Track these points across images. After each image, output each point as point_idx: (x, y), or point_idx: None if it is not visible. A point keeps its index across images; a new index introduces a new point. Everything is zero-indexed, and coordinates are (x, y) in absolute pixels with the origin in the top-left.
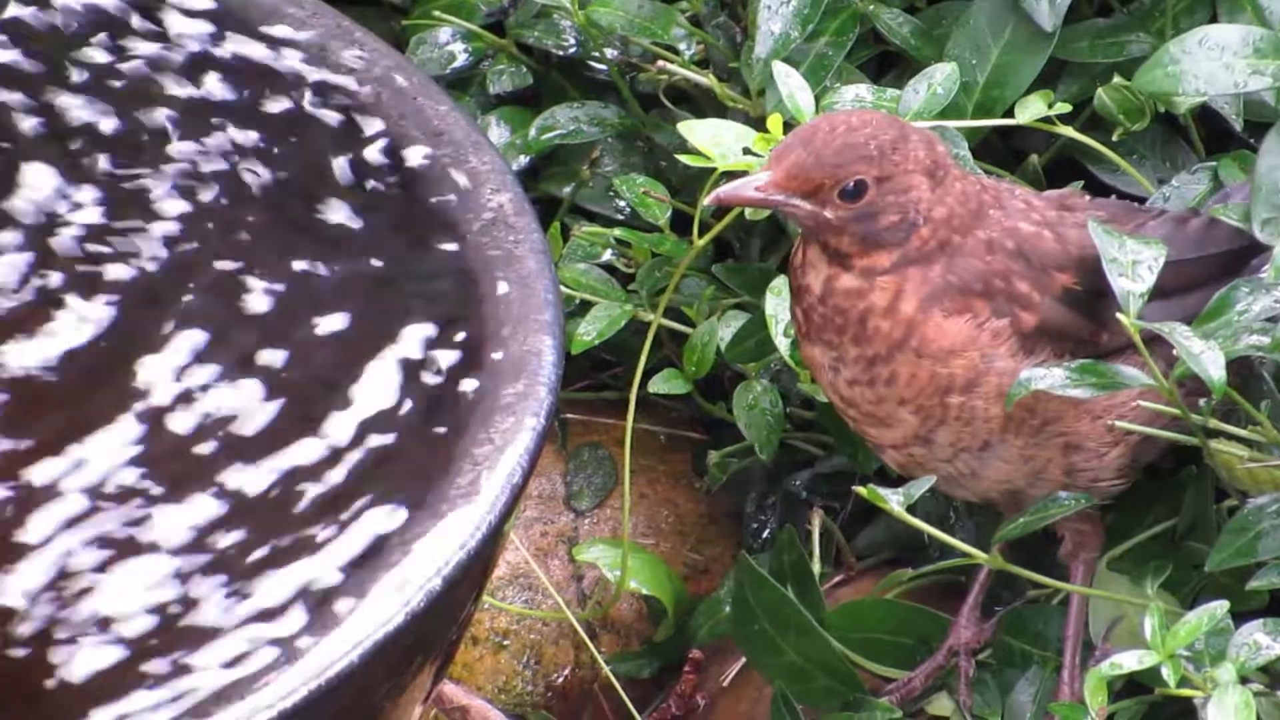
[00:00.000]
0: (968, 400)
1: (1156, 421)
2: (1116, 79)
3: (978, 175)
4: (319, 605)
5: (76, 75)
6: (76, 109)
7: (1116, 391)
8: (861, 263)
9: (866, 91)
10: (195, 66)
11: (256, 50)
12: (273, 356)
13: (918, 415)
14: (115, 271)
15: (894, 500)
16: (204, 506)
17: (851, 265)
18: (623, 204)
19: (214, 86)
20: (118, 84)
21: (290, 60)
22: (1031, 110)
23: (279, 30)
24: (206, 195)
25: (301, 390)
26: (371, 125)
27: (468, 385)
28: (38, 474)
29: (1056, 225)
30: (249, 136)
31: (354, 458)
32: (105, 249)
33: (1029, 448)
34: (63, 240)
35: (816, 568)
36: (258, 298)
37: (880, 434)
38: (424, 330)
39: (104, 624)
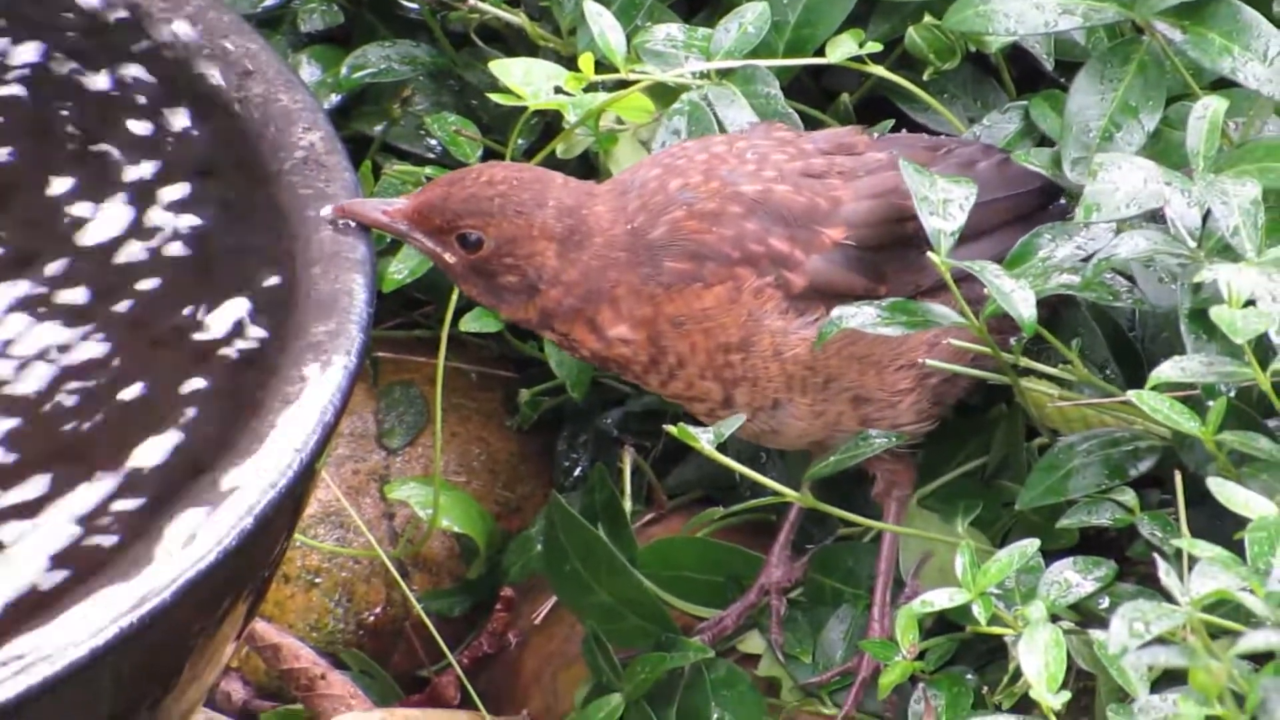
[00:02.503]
0: (746, 358)
1: (963, 360)
2: (927, 18)
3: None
4: (130, 542)
5: None
6: None
7: (902, 341)
8: (509, 314)
9: (678, 31)
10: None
11: None
12: (75, 295)
13: (717, 381)
14: None
15: (705, 439)
16: (13, 439)
17: (511, 318)
18: (434, 143)
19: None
20: None
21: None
22: (842, 49)
23: None
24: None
25: (108, 326)
26: (181, 63)
27: (278, 323)
28: None
29: (813, 176)
30: (64, 68)
31: (165, 396)
32: None
33: (817, 404)
34: None
35: (628, 506)
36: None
37: (697, 408)
38: (235, 268)
39: None
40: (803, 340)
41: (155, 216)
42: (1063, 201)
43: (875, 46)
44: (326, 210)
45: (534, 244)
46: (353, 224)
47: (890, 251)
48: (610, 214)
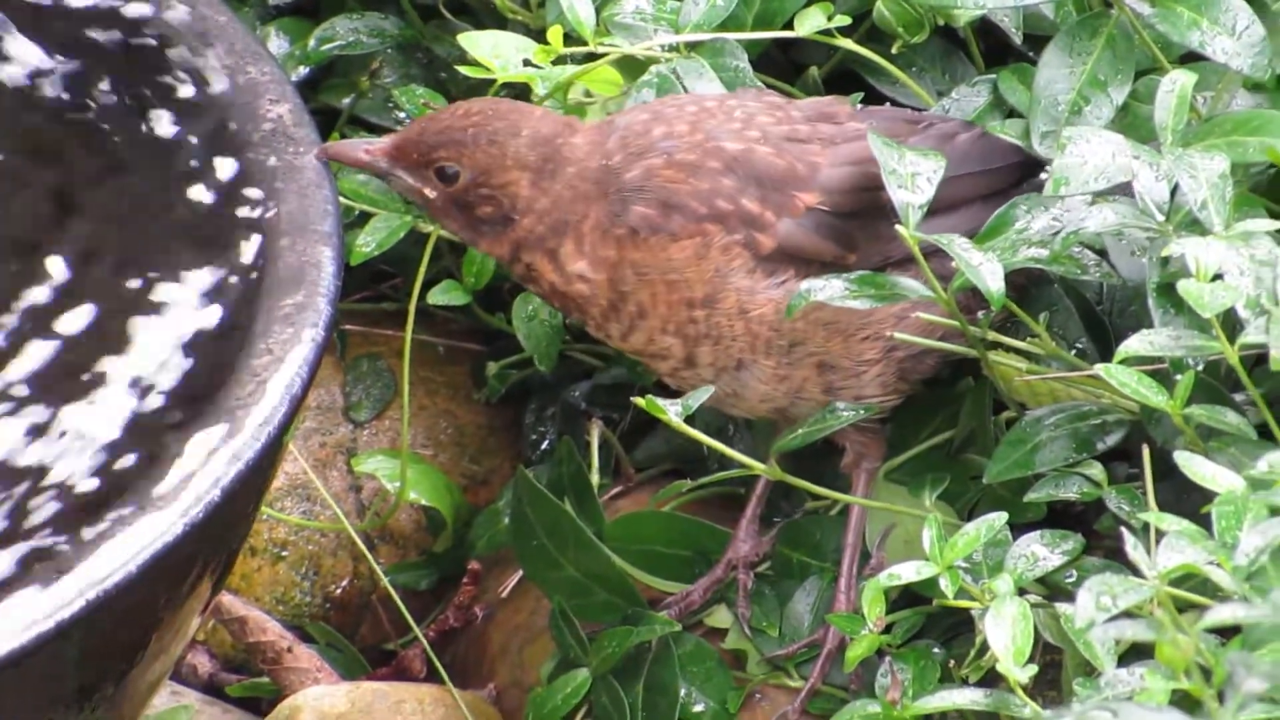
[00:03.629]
0: (710, 315)
1: (932, 335)
2: None
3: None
4: (99, 516)
5: None
6: None
7: (870, 311)
8: (488, 249)
9: (647, 3)
10: None
11: None
12: (56, 266)
13: (678, 337)
14: None
15: (672, 411)
16: None
17: (489, 253)
18: (402, 115)
19: None
20: None
21: None
22: (811, 22)
23: None
24: None
25: (90, 300)
26: (149, 36)
27: (246, 296)
28: None
29: (797, 141)
30: (30, 52)
31: (136, 370)
32: None
33: (781, 367)
34: None
35: (595, 479)
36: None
37: (660, 365)
38: (205, 241)
39: None
40: (769, 300)
41: (124, 183)
42: (1043, 177)
43: (844, 20)
44: (311, 154)
45: (507, 173)
46: (323, 192)
47: (863, 220)
48: (587, 147)
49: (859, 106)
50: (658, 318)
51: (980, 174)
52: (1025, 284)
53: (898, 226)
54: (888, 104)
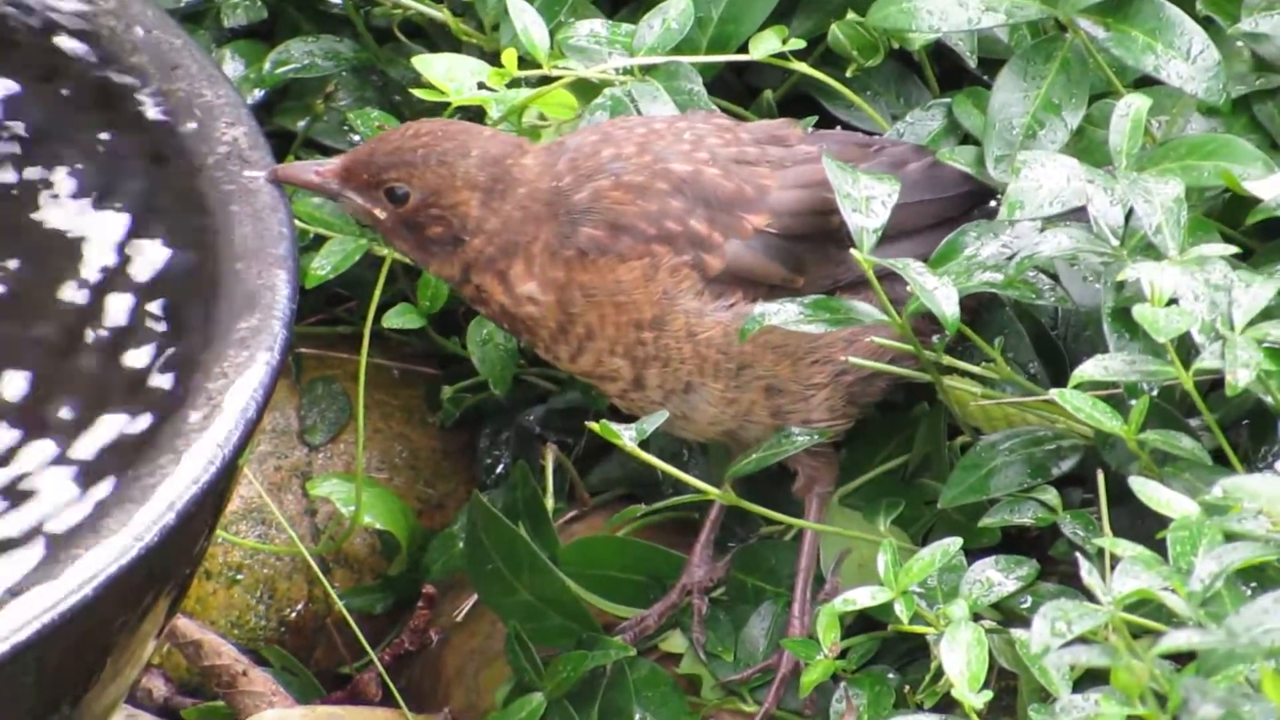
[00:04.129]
0: (659, 337)
1: (882, 359)
2: (851, 15)
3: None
4: (53, 539)
5: None
6: None
7: (821, 335)
8: (437, 270)
9: (601, 26)
10: None
11: None
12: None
13: (627, 359)
14: None
15: (626, 436)
16: None
17: (439, 274)
18: (357, 138)
19: None
20: None
21: None
22: (766, 46)
23: None
24: None
25: (28, 318)
26: (104, 58)
27: (201, 318)
28: None
29: (745, 163)
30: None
31: (84, 391)
32: None
33: (730, 390)
34: None
35: (550, 503)
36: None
37: (608, 387)
38: (156, 262)
39: None
40: (717, 323)
41: (77, 209)
42: (992, 205)
43: (799, 43)
44: (261, 175)
45: (457, 194)
46: (279, 215)
47: (812, 243)
48: (537, 168)
49: (810, 130)
50: (605, 339)
51: (930, 202)
52: (977, 308)
53: (852, 250)
54: (839, 127)
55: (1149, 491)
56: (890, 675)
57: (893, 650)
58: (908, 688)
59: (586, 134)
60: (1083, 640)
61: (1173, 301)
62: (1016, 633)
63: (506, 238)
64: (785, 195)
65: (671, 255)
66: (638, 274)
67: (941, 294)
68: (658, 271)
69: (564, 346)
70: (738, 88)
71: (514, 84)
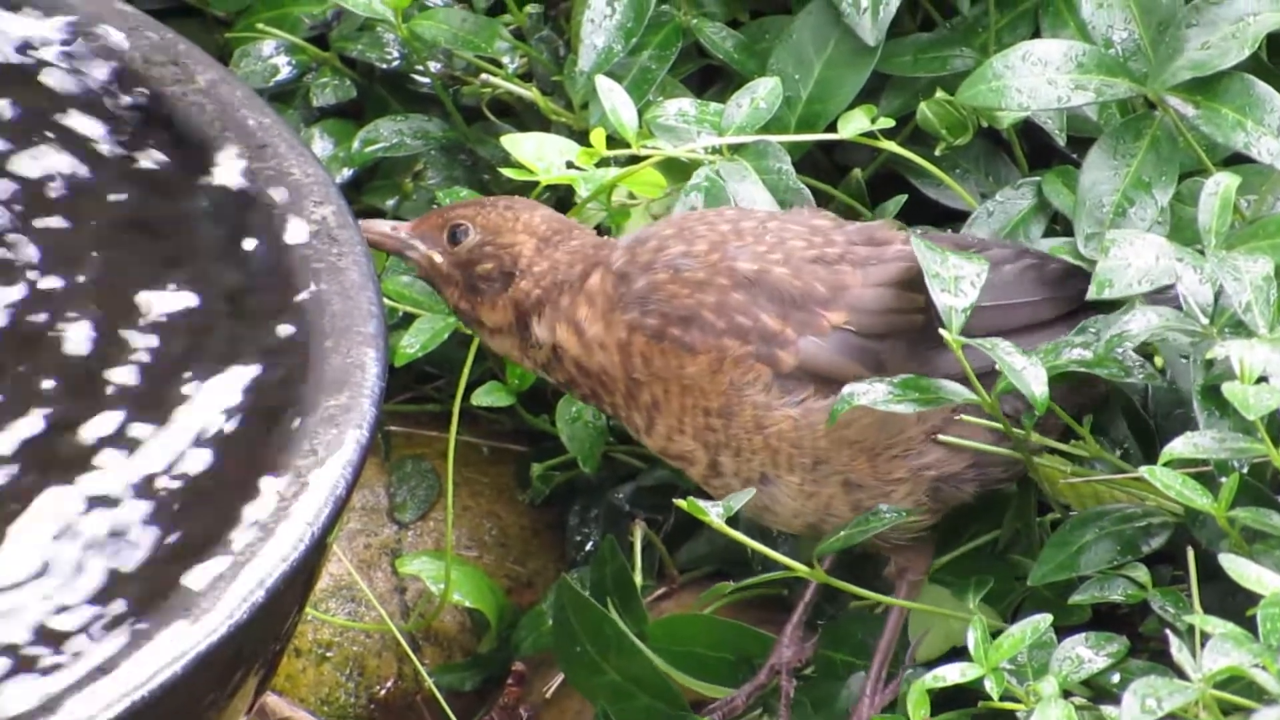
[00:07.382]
0: (728, 426)
1: (972, 445)
2: (939, 93)
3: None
4: (144, 614)
5: None
6: None
7: (898, 430)
8: (486, 315)
9: (690, 105)
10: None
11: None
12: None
13: (698, 442)
14: None
15: (714, 513)
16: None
17: (494, 329)
18: None
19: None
20: None
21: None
22: (854, 125)
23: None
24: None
25: (129, 403)
26: (195, 138)
27: (290, 397)
28: None
29: (824, 263)
30: (70, 161)
31: (180, 471)
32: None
33: (807, 484)
34: None
35: (639, 580)
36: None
37: (691, 471)
38: (250, 342)
39: None
40: (787, 418)
41: (171, 288)
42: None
43: (887, 122)
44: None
45: (515, 235)
46: (367, 293)
47: (893, 342)
48: (598, 244)
49: (908, 230)
50: (673, 414)
51: (1021, 305)
52: (1086, 403)
53: (941, 330)
54: (914, 204)
55: (1239, 568)
56: None
57: None
58: None
59: (664, 225)
60: (1173, 717)
61: (1263, 379)
62: (1107, 710)
63: (553, 279)
64: (866, 293)
65: (740, 346)
66: (704, 366)
67: (1030, 374)
68: (723, 364)
69: (637, 414)
70: (826, 166)
71: (603, 163)
